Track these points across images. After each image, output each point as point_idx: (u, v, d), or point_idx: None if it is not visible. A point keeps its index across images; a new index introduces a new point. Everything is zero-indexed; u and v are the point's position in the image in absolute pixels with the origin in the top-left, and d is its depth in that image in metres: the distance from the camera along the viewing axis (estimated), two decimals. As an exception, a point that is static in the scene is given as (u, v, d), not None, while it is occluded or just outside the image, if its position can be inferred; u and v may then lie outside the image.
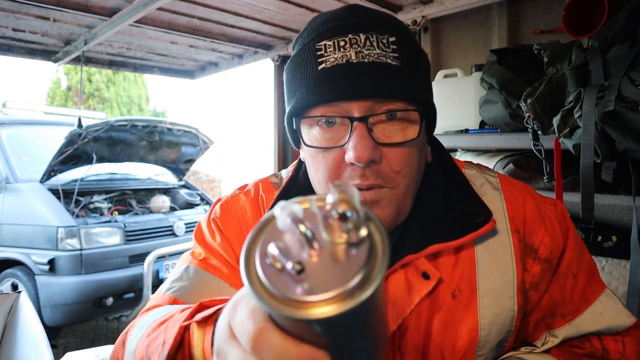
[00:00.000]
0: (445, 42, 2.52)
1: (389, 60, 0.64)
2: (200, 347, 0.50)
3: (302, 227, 0.31)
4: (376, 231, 0.32)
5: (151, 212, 4.44)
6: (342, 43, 0.64)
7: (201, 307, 0.52)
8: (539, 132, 1.46)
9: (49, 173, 3.97)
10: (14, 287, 3.75)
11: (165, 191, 4.88)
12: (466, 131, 1.84)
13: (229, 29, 2.83)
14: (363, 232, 0.31)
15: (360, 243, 0.31)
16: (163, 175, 5.05)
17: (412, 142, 0.65)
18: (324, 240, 0.30)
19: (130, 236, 3.94)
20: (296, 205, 0.32)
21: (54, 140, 4.27)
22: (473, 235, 0.70)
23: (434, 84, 2.01)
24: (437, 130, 2.01)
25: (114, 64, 3.72)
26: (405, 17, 2.34)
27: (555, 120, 1.38)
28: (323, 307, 0.29)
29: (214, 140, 5.01)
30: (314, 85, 0.64)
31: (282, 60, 3.22)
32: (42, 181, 3.94)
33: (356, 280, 0.29)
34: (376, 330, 0.36)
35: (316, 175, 0.70)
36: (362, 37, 0.64)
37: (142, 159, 4.82)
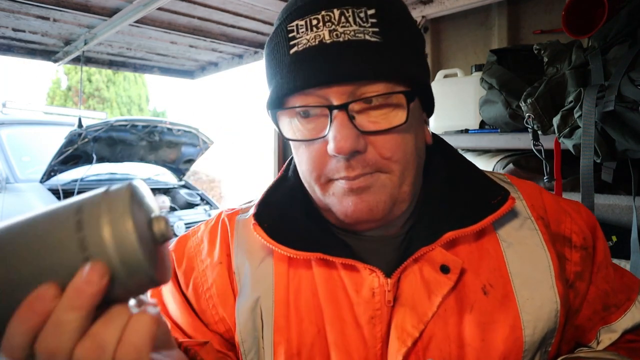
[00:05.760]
0: (445, 42, 2.52)
1: (367, 37, 0.57)
2: None
3: None
4: None
5: (151, 212, 4.44)
6: (314, 22, 0.57)
7: None
8: (539, 132, 1.46)
9: (49, 173, 3.97)
10: (14, 287, 3.75)
11: (165, 191, 4.87)
12: (466, 131, 1.84)
13: (229, 29, 2.83)
14: None
15: None
16: (163, 175, 5.05)
17: (401, 127, 0.58)
18: None
19: (130, 236, 3.93)
20: None
21: (54, 140, 4.27)
22: (492, 217, 0.62)
23: (433, 84, 2.01)
24: (437, 130, 2.02)
25: (114, 64, 3.71)
26: (405, 17, 2.34)
27: (555, 120, 1.37)
28: None
29: (214, 140, 5.00)
30: (287, 72, 0.58)
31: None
32: (42, 181, 3.94)
33: None
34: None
35: (300, 168, 0.65)
36: (337, 13, 0.57)
37: (142, 159, 4.82)
